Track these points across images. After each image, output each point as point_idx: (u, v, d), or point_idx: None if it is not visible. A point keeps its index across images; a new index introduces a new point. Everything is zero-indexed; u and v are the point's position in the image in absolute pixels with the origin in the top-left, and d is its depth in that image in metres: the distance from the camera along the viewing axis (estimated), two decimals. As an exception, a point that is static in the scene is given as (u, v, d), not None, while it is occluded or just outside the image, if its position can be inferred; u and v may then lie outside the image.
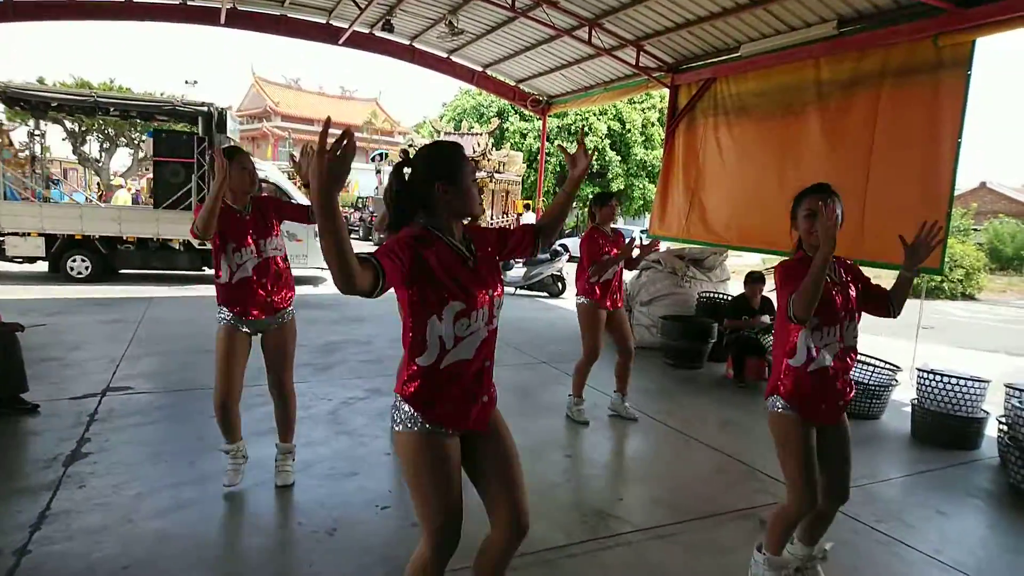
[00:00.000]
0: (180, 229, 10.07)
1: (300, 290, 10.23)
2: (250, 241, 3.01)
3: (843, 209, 2.37)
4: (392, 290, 1.70)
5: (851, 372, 2.41)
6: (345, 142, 1.39)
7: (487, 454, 1.91)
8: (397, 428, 1.81)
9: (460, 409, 1.81)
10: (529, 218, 19.02)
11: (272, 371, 3.24)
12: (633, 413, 4.71)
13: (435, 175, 1.79)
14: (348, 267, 1.45)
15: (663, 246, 7.68)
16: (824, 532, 2.57)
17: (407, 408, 1.78)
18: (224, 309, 3.05)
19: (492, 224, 16.85)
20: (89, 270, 10.08)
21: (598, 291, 4.40)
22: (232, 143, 10.37)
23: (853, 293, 2.39)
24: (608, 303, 4.42)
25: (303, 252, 10.64)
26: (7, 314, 4.36)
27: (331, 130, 1.43)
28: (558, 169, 22.97)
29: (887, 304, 2.41)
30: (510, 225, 17.84)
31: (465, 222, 1.91)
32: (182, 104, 10.56)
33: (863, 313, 2.44)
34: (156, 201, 10.17)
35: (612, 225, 4.57)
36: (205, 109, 10.30)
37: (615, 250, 4.40)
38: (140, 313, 7.55)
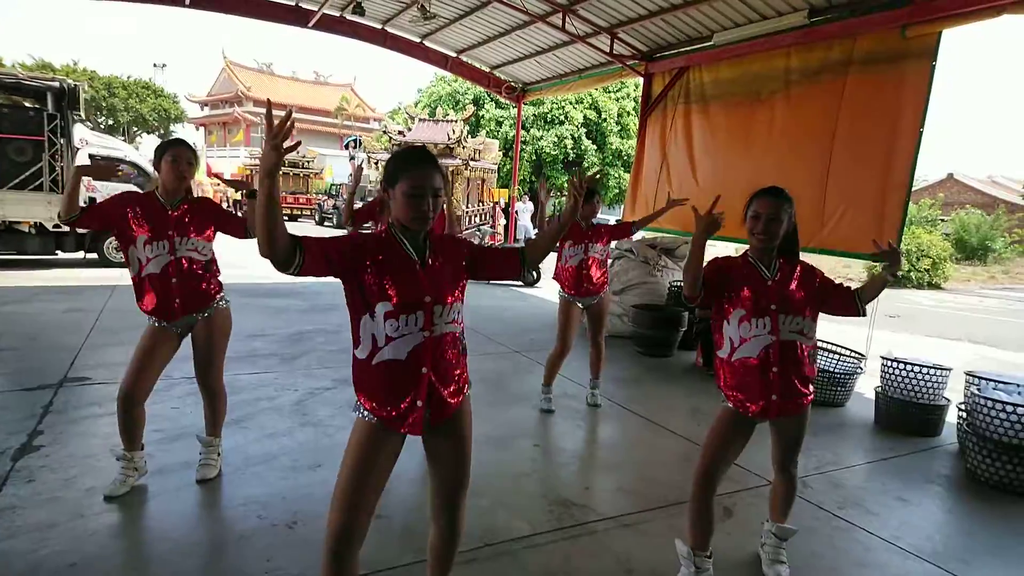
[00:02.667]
0: (32, 211, 9.50)
1: (271, 278, 10.19)
2: (167, 236, 2.86)
3: (793, 213, 2.42)
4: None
5: (798, 367, 2.39)
6: (288, 124, 1.53)
7: (438, 454, 1.95)
8: (359, 412, 1.86)
9: (391, 408, 1.80)
10: (527, 210, 18.80)
11: (197, 366, 3.10)
12: (596, 400, 4.75)
13: (384, 178, 1.83)
14: (271, 233, 1.56)
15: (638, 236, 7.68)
16: (789, 504, 2.67)
17: (361, 398, 1.85)
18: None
19: (467, 212, 16.72)
20: None
21: (563, 276, 4.44)
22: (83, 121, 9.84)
23: (796, 289, 2.40)
24: (575, 291, 4.40)
25: None
26: (-45, 303, 4.19)
27: (276, 112, 1.58)
28: (533, 157, 22.89)
29: (853, 302, 2.43)
30: (486, 216, 17.74)
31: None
32: (27, 78, 9.93)
33: (826, 312, 2.47)
34: (0, 180, 9.41)
35: (594, 220, 4.53)
36: (56, 84, 9.67)
37: (588, 241, 4.40)
38: (102, 302, 7.35)
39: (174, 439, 3.61)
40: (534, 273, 11.56)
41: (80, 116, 9.97)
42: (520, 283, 11.53)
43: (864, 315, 2.47)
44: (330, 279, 1.81)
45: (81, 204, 2.86)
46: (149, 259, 2.85)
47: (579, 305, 4.47)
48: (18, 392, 4.21)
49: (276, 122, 1.52)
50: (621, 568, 2.64)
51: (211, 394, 3.18)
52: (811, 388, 2.46)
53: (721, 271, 2.42)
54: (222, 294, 3.11)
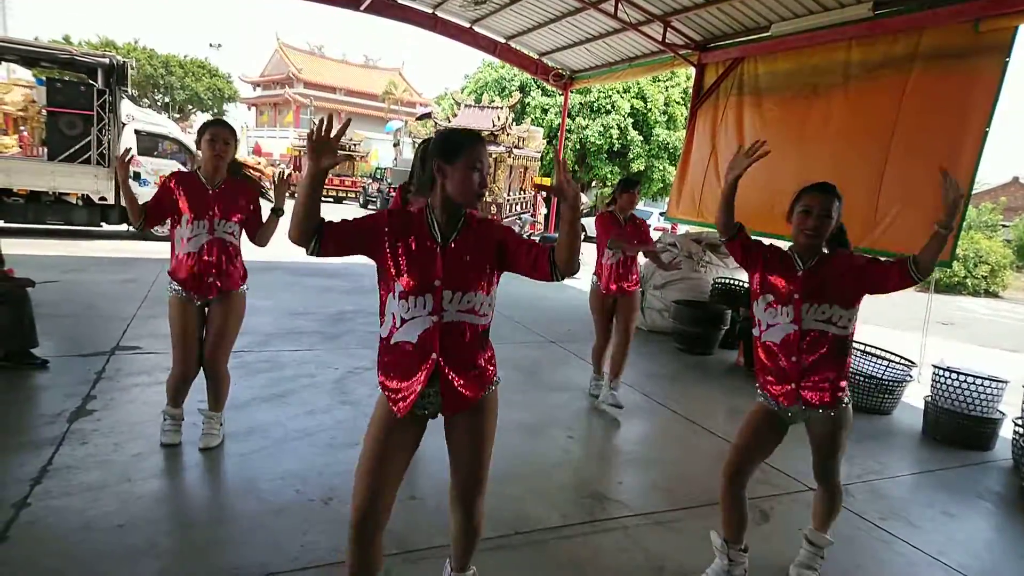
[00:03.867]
0: (81, 183, 9.67)
1: (316, 259, 10.33)
2: (207, 216, 2.94)
3: (841, 208, 2.34)
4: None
5: (823, 358, 2.31)
6: (341, 130, 1.66)
7: (455, 446, 1.95)
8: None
9: (403, 390, 1.81)
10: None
11: (207, 347, 3.13)
12: (619, 401, 4.36)
13: (436, 153, 1.82)
14: (303, 227, 1.69)
15: (682, 229, 7.56)
16: (830, 515, 2.57)
17: (379, 374, 1.88)
18: (172, 281, 3.03)
19: (508, 200, 16.68)
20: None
21: (603, 272, 4.40)
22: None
23: (829, 277, 2.31)
24: (612, 287, 4.36)
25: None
26: (21, 270, 4.39)
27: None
28: (577, 146, 22.68)
29: (907, 272, 2.24)
30: (527, 204, 17.67)
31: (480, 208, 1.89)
32: (80, 54, 10.08)
33: (880, 292, 2.35)
34: (51, 153, 9.64)
35: (631, 211, 4.46)
36: (106, 61, 9.82)
37: (628, 239, 4.34)
38: (155, 274, 7.60)
39: (218, 410, 3.72)
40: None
41: (128, 92, 10.22)
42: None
43: (921, 280, 2.29)
44: (371, 261, 1.83)
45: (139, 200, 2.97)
46: (189, 238, 2.94)
47: (611, 297, 4.42)
48: (74, 358, 4.40)
49: (325, 129, 1.62)
50: (651, 566, 2.62)
51: (215, 376, 3.19)
52: (842, 383, 2.36)
53: (761, 246, 2.44)
54: (245, 284, 3.19)
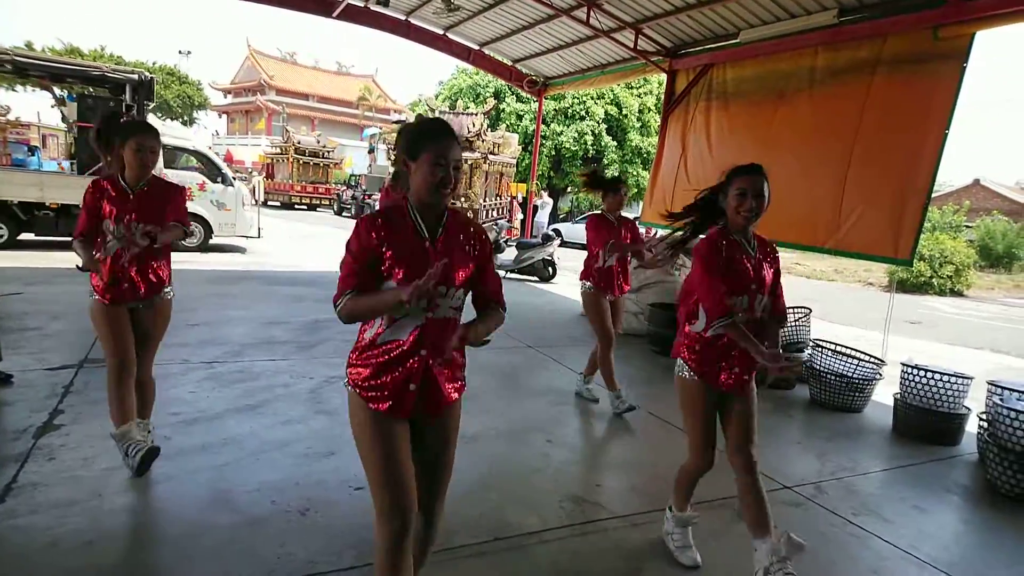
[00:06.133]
0: None
1: (291, 267, 10.28)
2: (124, 221, 2.85)
3: (769, 191, 2.41)
4: None
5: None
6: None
7: (424, 448, 1.92)
8: (347, 388, 1.89)
9: (390, 391, 1.79)
10: (546, 206, 19.10)
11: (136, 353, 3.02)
12: (595, 395, 4.75)
13: (405, 148, 1.80)
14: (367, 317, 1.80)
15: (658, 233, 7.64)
16: (762, 512, 2.39)
17: (352, 373, 1.87)
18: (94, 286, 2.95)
19: (484, 206, 16.70)
20: (3, 237, 9.69)
21: (595, 276, 4.40)
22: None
23: (767, 273, 2.44)
24: (607, 286, 4.40)
25: (231, 221, 11.36)
26: (-18, 282, 4.27)
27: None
28: (553, 152, 22.80)
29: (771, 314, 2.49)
30: (503, 211, 17.70)
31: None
32: (111, 70, 10.28)
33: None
34: (81, 167, 9.75)
35: (621, 213, 4.50)
36: (135, 76, 10.02)
37: (624, 239, 4.38)
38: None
39: (191, 423, 3.65)
40: (550, 269, 11.54)
41: (152, 107, 10.33)
42: (536, 279, 11.51)
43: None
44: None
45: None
46: (108, 240, 2.87)
47: (607, 299, 4.46)
48: (41, 371, 4.29)
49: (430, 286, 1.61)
50: (630, 567, 2.64)
51: (141, 384, 3.08)
52: None
53: (719, 253, 2.41)
54: (170, 286, 3.11)
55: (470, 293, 1.92)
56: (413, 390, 1.80)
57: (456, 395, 1.91)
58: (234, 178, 12.00)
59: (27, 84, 11.65)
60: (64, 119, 11.33)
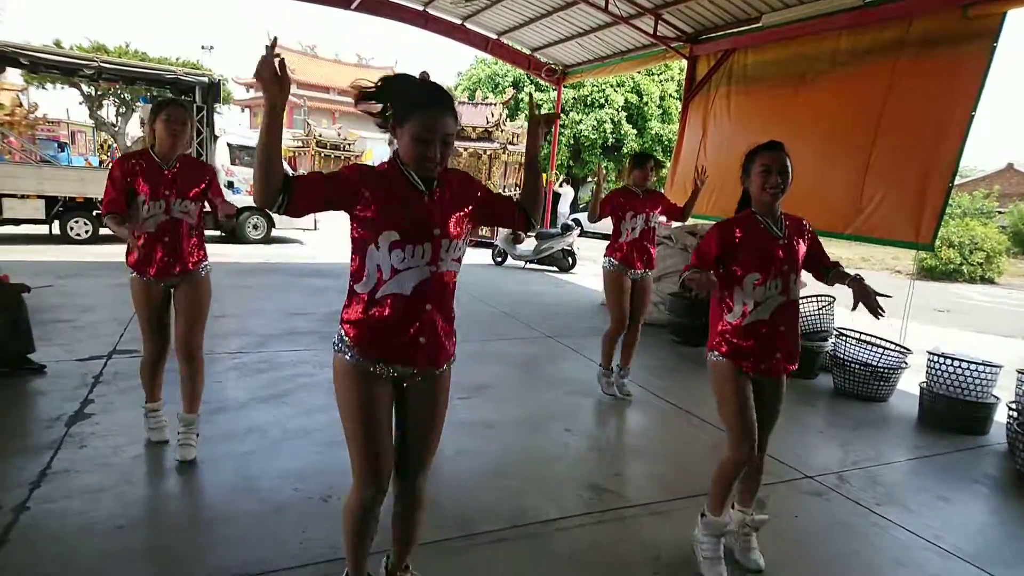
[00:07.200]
0: None
1: (315, 259, 10.41)
2: (162, 196, 2.92)
3: (792, 168, 2.38)
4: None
5: (798, 326, 2.45)
6: (278, 60, 1.52)
7: (411, 412, 1.90)
8: (335, 351, 1.83)
9: (391, 343, 1.75)
10: (566, 196, 19.17)
11: (180, 328, 3.09)
12: (628, 392, 4.60)
13: (393, 112, 1.72)
14: (266, 176, 1.54)
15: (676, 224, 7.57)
16: (756, 490, 2.61)
17: (342, 332, 1.80)
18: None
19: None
20: (89, 233, 10.25)
21: (625, 248, 4.31)
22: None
23: (801, 248, 2.43)
24: (629, 263, 4.31)
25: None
26: (16, 276, 4.40)
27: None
28: (572, 141, 22.64)
29: (824, 274, 2.51)
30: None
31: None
32: (183, 74, 10.77)
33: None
34: None
35: (647, 187, 4.40)
36: (205, 79, 10.48)
37: (649, 209, 4.31)
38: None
39: (216, 412, 3.73)
40: (570, 259, 11.51)
41: (220, 108, 10.81)
42: (556, 269, 11.48)
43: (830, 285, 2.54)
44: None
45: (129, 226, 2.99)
46: (146, 218, 2.93)
47: (629, 278, 4.37)
48: (72, 362, 4.41)
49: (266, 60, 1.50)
50: (649, 555, 2.64)
51: (190, 361, 3.13)
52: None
53: (725, 243, 2.38)
54: (207, 261, 3.18)
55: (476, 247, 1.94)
56: (423, 344, 1.76)
57: (453, 351, 1.89)
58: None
59: (75, 84, 12.16)
60: (141, 122, 11.94)
